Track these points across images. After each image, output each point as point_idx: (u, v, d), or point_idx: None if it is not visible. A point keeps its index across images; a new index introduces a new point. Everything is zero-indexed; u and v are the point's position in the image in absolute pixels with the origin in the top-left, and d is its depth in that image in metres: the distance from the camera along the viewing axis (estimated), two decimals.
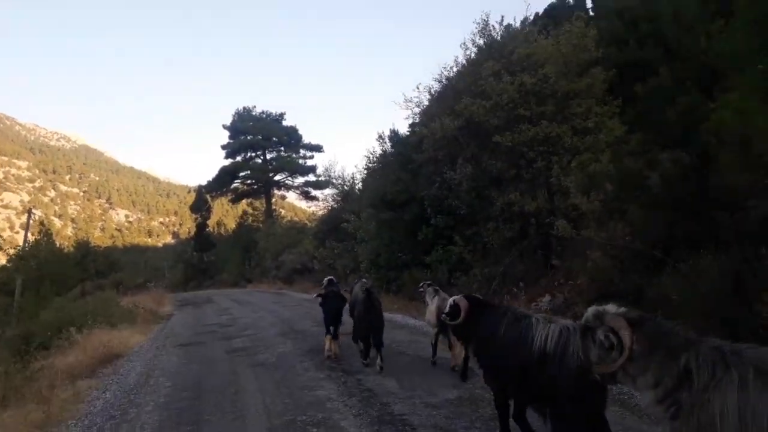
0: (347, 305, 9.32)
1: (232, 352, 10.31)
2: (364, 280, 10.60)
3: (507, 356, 4.37)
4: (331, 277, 11.11)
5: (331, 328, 9.03)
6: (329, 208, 34.16)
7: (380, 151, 20.65)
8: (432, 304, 7.87)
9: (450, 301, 5.18)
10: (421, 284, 8.94)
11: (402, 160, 18.70)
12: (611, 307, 2.99)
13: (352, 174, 32.29)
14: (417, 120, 19.15)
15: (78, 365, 9.68)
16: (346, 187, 30.37)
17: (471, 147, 14.92)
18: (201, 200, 58.20)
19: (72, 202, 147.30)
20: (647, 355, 2.73)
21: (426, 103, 18.59)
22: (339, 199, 30.90)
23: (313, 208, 50.74)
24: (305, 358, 9.12)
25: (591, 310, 3.09)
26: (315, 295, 9.96)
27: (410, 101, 18.23)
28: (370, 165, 21.29)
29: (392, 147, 19.37)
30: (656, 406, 2.68)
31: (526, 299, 13.44)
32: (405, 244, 18.80)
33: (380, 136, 20.36)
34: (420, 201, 17.90)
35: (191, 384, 7.72)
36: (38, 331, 15.72)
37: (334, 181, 31.61)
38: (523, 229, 14.88)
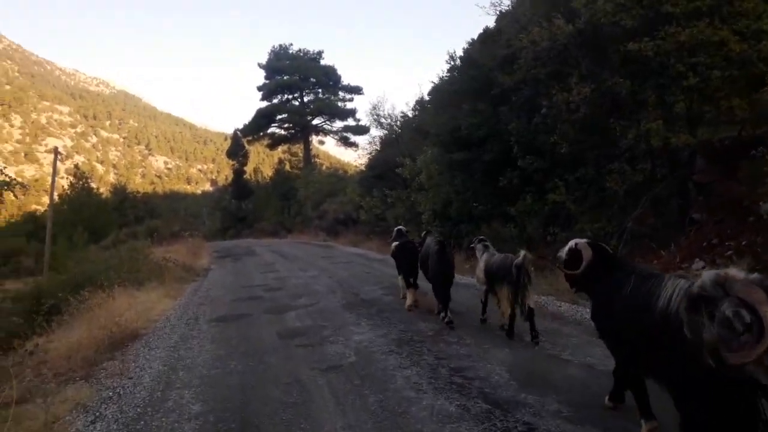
0: None
1: (287, 338, 7.37)
2: (434, 233, 10.00)
3: (629, 322, 3.44)
4: (401, 227, 10.84)
5: (411, 279, 8.84)
6: (374, 152, 30.80)
7: (448, 76, 17.03)
8: (481, 261, 7.61)
9: (570, 243, 4.34)
10: (472, 240, 8.63)
11: (481, 86, 15.18)
12: (737, 273, 2.24)
13: (402, 113, 28.66)
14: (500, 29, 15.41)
15: (77, 350, 6.93)
16: (397, 128, 26.87)
17: (586, 62, 11.30)
18: (237, 145, 55.73)
19: (113, 148, 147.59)
20: None
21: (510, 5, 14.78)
22: (389, 140, 27.46)
23: (354, 156, 48.04)
24: (401, 356, 6.06)
25: (709, 274, 2.31)
26: (391, 244, 9.74)
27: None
28: (435, 93, 17.66)
29: (467, 70, 15.74)
30: None
31: (661, 264, 10.20)
32: (482, 191, 15.53)
33: (451, 57, 16.76)
34: (504, 137, 14.50)
35: (232, 408, 4.77)
36: (53, 289, 13.33)
37: (383, 120, 28.14)
38: (652, 172, 11.43)
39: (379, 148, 28.60)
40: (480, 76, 15.44)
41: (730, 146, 10.82)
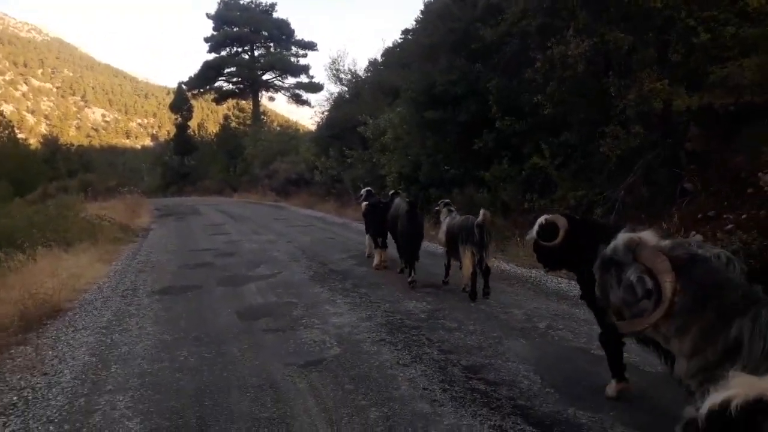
0: None
1: (249, 319, 6.07)
2: (402, 194, 9.67)
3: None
4: (369, 188, 11.00)
5: (380, 240, 8.92)
6: (331, 110, 29.01)
7: (418, 27, 15.59)
8: (443, 224, 7.54)
9: (540, 220, 3.96)
10: (437, 203, 8.55)
11: (459, 39, 13.89)
12: (650, 237, 2.20)
13: (368, 66, 26.99)
14: None
15: None
16: (358, 84, 25.22)
17: (583, 14, 10.17)
18: (181, 98, 52.41)
19: (45, 98, 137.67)
20: (690, 312, 1.97)
21: None
22: (349, 97, 25.80)
23: (307, 114, 46.24)
24: (396, 348, 4.85)
25: (623, 237, 2.25)
26: (362, 203, 9.66)
27: None
28: (407, 46, 16.20)
29: (444, 21, 14.34)
30: (690, 380, 2.01)
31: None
32: (454, 154, 14.41)
33: (426, 6, 15.30)
34: (482, 96, 13.36)
35: (185, 427, 3.57)
36: None
37: (342, 76, 26.43)
38: (647, 138, 10.56)
39: (337, 106, 26.87)
40: (458, 29, 14.14)
41: (734, 113, 10.04)
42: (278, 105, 60.10)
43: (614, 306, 2.29)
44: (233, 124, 50.88)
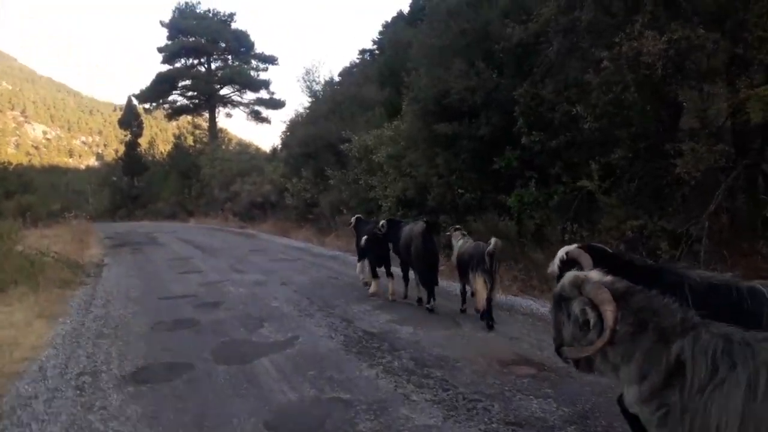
0: None
1: None
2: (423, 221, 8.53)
3: None
4: (359, 215, 10.78)
5: (380, 268, 8.79)
6: (303, 126, 26.65)
7: (428, 28, 13.59)
8: (455, 249, 7.57)
9: (561, 253, 3.54)
10: (449, 228, 8.63)
11: (476, 39, 11.99)
12: (595, 274, 2.34)
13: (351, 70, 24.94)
14: None
15: None
16: (336, 98, 23.06)
17: (655, 7, 8.39)
18: (131, 113, 49.24)
19: None
20: (632, 338, 2.11)
21: None
22: (325, 112, 23.56)
23: (269, 132, 43.98)
24: None
25: (569, 275, 2.41)
26: (363, 238, 8.92)
27: None
28: (418, 49, 14.12)
29: (455, 19, 12.39)
30: (642, 406, 2.09)
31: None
32: (469, 175, 12.45)
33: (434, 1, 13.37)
34: (505, 107, 11.51)
35: None
36: None
37: (318, 88, 24.32)
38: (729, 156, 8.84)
39: (312, 122, 24.57)
40: (472, 29, 12.27)
41: None
42: (233, 124, 57.40)
43: (567, 342, 2.34)
44: (189, 142, 47.78)
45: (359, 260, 9.71)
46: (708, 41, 7.86)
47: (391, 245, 8.85)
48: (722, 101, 7.73)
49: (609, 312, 2.12)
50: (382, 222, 9.04)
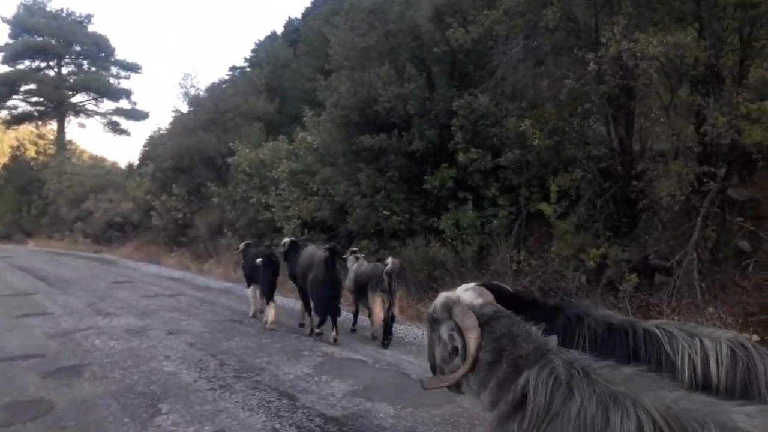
0: None
1: None
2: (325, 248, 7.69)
3: None
4: (249, 242, 10.16)
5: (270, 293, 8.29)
6: (174, 136, 23.38)
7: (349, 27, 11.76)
8: (351, 271, 7.69)
9: (447, 295, 2.89)
10: (347, 251, 8.46)
11: (407, 41, 10.44)
12: (467, 295, 2.17)
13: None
14: None
15: None
16: (219, 108, 20.29)
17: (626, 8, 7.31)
18: None
19: None
20: (490, 366, 1.95)
21: None
22: (204, 121, 20.57)
23: (127, 145, 39.64)
24: None
25: (442, 296, 2.26)
26: (258, 260, 8.18)
27: None
28: (342, 50, 12.10)
29: (379, 18, 10.76)
30: None
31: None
32: (398, 195, 10.77)
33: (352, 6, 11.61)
34: (441, 120, 10.08)
35: None
36: None
37: (199, 93, 21.49)
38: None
39: (188, 132, 21.42)
40: (398, 30, 10.72)
41: None
42: (86, 136, 51.56)
43: (438, 364, 2.25)
44: (31, 153, 41.52)
45: (248, 285, 9.01)
46: (702, 51, 6.96)
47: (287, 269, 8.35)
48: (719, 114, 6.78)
49: (472, 339, 1.97)
50: (285, 240, 8.53)
